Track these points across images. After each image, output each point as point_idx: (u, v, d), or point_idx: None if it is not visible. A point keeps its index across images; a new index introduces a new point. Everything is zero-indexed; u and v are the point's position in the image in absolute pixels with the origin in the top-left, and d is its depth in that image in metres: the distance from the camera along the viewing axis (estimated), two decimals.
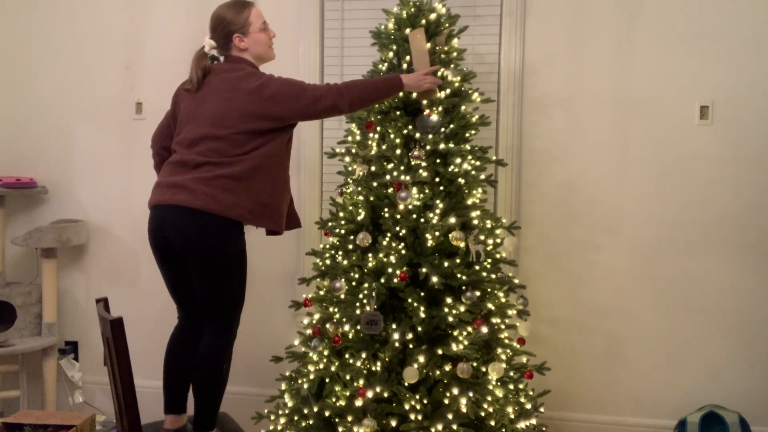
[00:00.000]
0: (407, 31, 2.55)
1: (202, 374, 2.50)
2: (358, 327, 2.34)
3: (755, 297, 2.93)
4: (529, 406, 2.47)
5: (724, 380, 2.97)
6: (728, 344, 2.97)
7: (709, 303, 2.97)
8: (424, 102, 2.51)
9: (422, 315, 2.31)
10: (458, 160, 2.46)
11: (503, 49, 3.06)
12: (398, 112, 2.54)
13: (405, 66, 2.56)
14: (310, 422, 2.41)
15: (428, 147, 2.46)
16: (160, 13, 3.36)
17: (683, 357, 3.01)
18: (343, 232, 2.51)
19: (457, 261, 2.39)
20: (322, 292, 2.57)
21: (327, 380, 2.41)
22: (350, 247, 2.48)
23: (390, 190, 2.45)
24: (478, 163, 2.54)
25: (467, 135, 2.56)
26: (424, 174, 2.42)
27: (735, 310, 2.95)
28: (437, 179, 2.48)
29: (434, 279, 2.35)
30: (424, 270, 2.37)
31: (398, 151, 2.48)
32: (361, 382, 2.28)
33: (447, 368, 2.33)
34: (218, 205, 2.35)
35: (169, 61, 3.32)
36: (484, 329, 2.35)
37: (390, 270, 2.35)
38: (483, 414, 2.32)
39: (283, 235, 3.24)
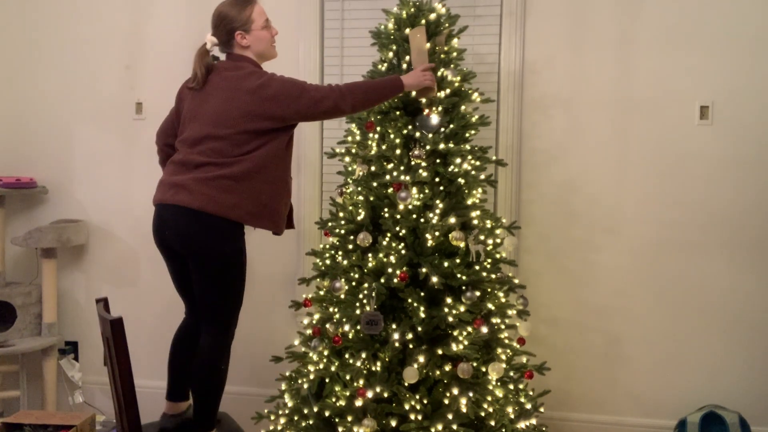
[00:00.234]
0: (407, 30, 2.55)
1: (200, 374, 2.51)
2: (358, 327, 2.34)
3: (755, 297, 2.93)
4: (529, 406, 2.47)
5: (724, 380, 2.97)
6: (728, 344, 2.97)
7: (709, 303, 2.97)
8: (424, 102, 2.51)
9: (422, 315, 2.31)
10: (458, 160, 2.46)
11: (503, 49, 3.06)
12: (398, 112, 2.54)
13: (405, 66, 2.56)
14: (310, 422, 2.41)
15: (428, 147, 2.46)
16: (160, 13, 3.36)
17: (683, 357, 3.01)
18: (343, 232, 2.51)
19: (457, 261, 2.39)
20: (322, 292, 2.57)
21: (327, 380, 2.41)
22: (350, 247, 2.48)
23: (390, 190, 2.45)
24: (478, 163, 2.54)
25: (467, 135, 2.56)
26: (424, 174, 2.42)
27: (735, 309, 2.95)
28: (437, 179, 2.48)
29: (434, 279, 2.35)
30: (424, 270, 2.37)
31: (398, 151, 2.48)
32: (361, 382, 2.28)
33: (447, 368, 2.33)
34: (217, 205, 2.36)
35: (169, 61, 3.32)
36: (484, 329, 2.35)
37: (390, 270, 2.35)
38: (483, 414, 2.32)
39: (282, 235, 3.25)
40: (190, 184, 2.38)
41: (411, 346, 2.34)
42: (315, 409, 2.38)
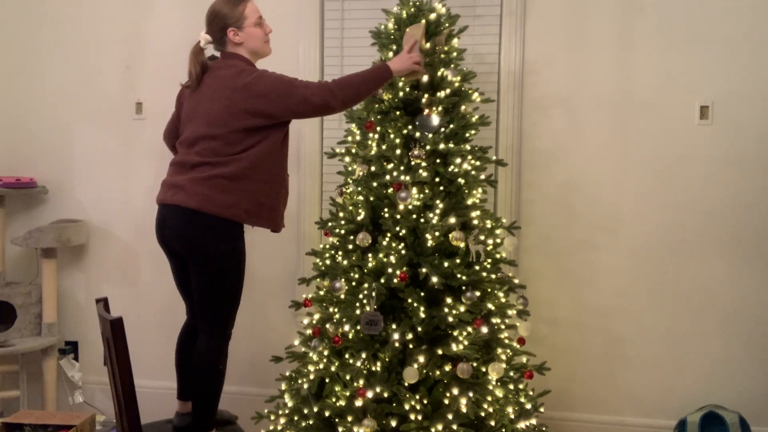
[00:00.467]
0: (408, 30, 2.55)
1: (197, 374, 2.53)
2: (358, 327, 2.34)
3: (755, 297, 2.93)
4: (529, 406, 2.47)
5: (724, 380, 2.97)
6: (728, 344, 2.96)
7: (709, 303, 2.97)
8: (424, 102, 2.51)
9: (422, 315, 2.31)
10: (458, 160, 2.46)
11: (503, 49, 3.06)
12: (398, 112, 2.54)
13: None
14: (310, 422, 2.41)
15: (428, 147, 2.46)
16: (160, 13, 3.36)
17: (683, 357, 3.01)
18: (343, 232, 2.51)
19: (457, 261, 2.39)
20: (322, 292, 2.57)
21: (327, 380, 2.41)
22: (350, 247, 2.48)
23: (390, 190, 2.45)
24: (478, 163, 2.54)
25: (467, 135, 2.56)
26: (424, 174, 2.42)
27: (735, 309, 2.95)
28: (437, 179, 2.48)
29: (434, 279, 2.35)
30: (424, 270, 2.37)
31: (398, 151, 2.48)
32: (361, 382, 2.28)
33: (447, 368, 2.33)
34: (213, 205, 2.39)
35: (169, 61, 3.32)
36: (484, 329, 2.35)
37: (390, 270, 2.35)
38: (483, 414, 2.32)
39: (282, 235, 3.25)
40: (187, 185, 2.42)
41: (411, 346, 2.34)
42: (315, 409, 2.38)
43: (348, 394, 2.31)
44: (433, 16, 2.56)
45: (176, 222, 2.44)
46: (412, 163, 2.46)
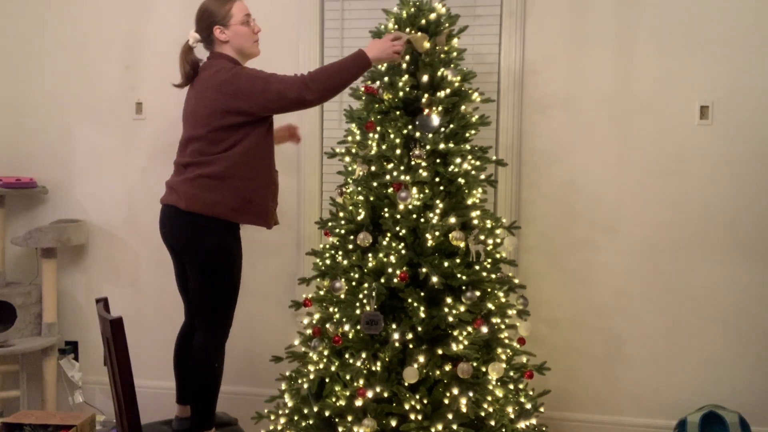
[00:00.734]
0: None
1: (193, 372, 2.55)
2: (358, 327, 2.34)
3: (755, 296, 2.93)
4: (529, 406, 2.47)
5: (724, 380, 2.97)
6: (728, 344, 2.96)
7: (709, 302, 2.97)
8: (424, 101, 2.50)
9: (422, 315, 2.31)
10: (458, 160, 2.46)
11: (503, 49, 3.06)
12: (398, 112, 2.54)
13: (404, 66, 2.56)
14: (310, 422, 2.41)
15: (428, 147, 2.46)
16: (160, 13, 3.36)
17: (683, 357, 3.01)
18: (343, 232, 2.51)
19: (457, 261, 2.39)
20: (322, 292, 2.57)
21: (327, 380, 2.41)
22: (350, 247, 2.48)
23: (390, 190, 2.45)
24: (478, 163, 2.54)
25: (467, 135, 2.56)
26: (424, 174, 2.42)
27: (735, 309, 2.95)
28: (437, 179, 2.48)
29: (434, 279, 2.35)
30: (424, 270, 2.37)
31: (398, 151, 2.48)
32: (361, 382, 2.28)
33: (447, 368, 2.33)
34: (199, 204, 2.45)
35: (169, 61, 3.29)
36: (484, 329, 2.35)
37: (390, 270, 2.35)
38: (483, 414, 2.32)
39: (282, 235, 3.25)
40: (178, 185, 2.51)
41: (411, 346, 2.34)
42: (315, 409, 2.38)
43: (348, 394, 2.31)
44: (433, 16, 2.56)
45: (170, 221, 2.54)
46: (412, 163, 2.46)
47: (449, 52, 2.60)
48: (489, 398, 2.33)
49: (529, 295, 2.80)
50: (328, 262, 2.54)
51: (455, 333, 2.31)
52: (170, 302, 3.18)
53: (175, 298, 2.77)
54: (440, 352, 2.31)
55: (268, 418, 2.59)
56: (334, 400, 2.36)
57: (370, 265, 2.41)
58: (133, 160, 3.43)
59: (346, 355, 2.38)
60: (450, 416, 2.25)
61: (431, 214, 2.41)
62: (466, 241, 2.39)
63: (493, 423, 2.35)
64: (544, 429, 2.57)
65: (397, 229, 2.42)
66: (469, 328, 2.33)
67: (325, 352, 2.45)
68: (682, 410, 2.96)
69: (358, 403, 2.26)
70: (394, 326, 2.33)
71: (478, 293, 2.37)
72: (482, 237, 2.44)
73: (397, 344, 2.30)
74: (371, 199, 2.48)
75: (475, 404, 2.29)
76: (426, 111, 2.50)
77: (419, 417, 2.26)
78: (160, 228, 2.60)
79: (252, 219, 2.53)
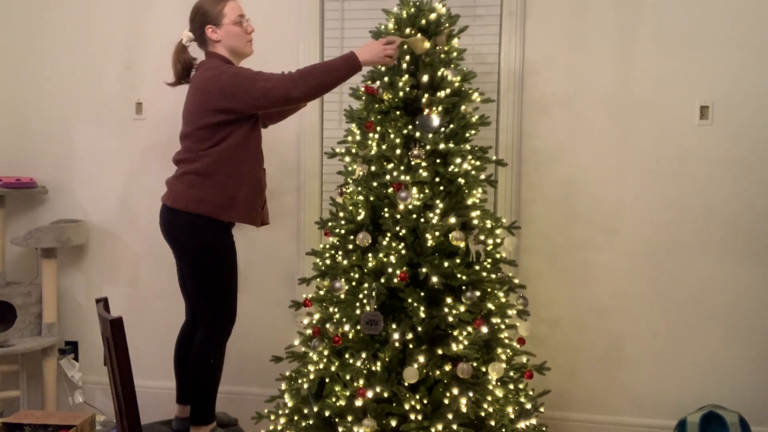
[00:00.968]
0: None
1: (191, 368, 2.56)
2: (358, 327, 2.34)
3: (755, 296, 2.93)
4: (529, 406, 2.47)
5: (724, 380, 2.97)
6: (728, 344, 2.96)
7: (709, 303, 2.97)
8: (424, 101, 2.50)
9: (422, 315, 2.31)
10: (458, 160, 2.46)
11: (503, 49, 3.06)
12: (398, 112, 2.54)
13: (404, 66, 2.56)
14: (310, 422, 2.41)
15: (428, 147, 2.46)
16: (159, 13, 3.36)
17: (683, 357, 3.00)
18: (343, 232, 2.51)
19: (457, 261, 2.39)
20: (322, 292, 2.57)
21: (327, 380, 2.40)
22: (350, 247, 2.48)
23: (390, 190, 2.45)
24: (478, 163, 2.54)
25: (467, 135, 2.56)
26: (424, 174, 2.42)
27: (735, 309, 2.95)
28: (437, 179, 2.48)
29: (434, 279, 2.35)
30: (424, 270, 2.37)
31: (398, 151, 2.48)
32: (361, 382, 2.28)
33: (447, 368, 2.33)
34: (185, 201, 2.49)
35: (169, 61, 3.29)
36: (484, 329, 2.35)
37: (390, 270, 2.35)
38: (483, 414, 2.32)
39: (282, 234, 3.25)
40: (170, 183, 2.57)
41: (411, 346, 2.34)
42: (315, 409, 2.38)
43: (348, 394, 2.31)
44: (433, 16, 2.56)
45: (162, 219, 2.59)
46: (412, 163, 2.46)
47: (449, 52, 2.60)
48: (489, 398, 2.33)
49: (529, 295, 2.80)
50: (328, 262, 2.54)
51: (455, 333, 2.31)
52: (170, 302, 3.18)
53: (174, 298, 2.78)
54: (440, 352, 2.31)
55: (268, 418, 2.59)
56: (334, 400, 2.36)
57: (370, 265, 2.41)
58: (133, 160, 3.43)
59: (346, 355, 2.38)
60: (450, 416, 2.25)
61: (431, 214, 2.41)
62: (466, 241, 2.39)
63: (493, 423, 2.35)
64: (544, 429, 2.57)
65: (397, 229, 2.42)
66: (469, 328, 2.33)
67: (325, 352, 2.45)
68: (682, 410, 2.96)
69: (358, 403, 2.26)
70: (394, 326, 2.33)
71: (478, 293, 2.37)
72: (482, 237, 2.44)
73: (397, 344, 2.30)
74: (371, 199, 2.48)
75: (475, 404, 2.29)
76: (426, 111, 2.50)
77: (419, 417, 2.26)
78: (159, 225, 2.63)
79: (236, 216, 2.53)
